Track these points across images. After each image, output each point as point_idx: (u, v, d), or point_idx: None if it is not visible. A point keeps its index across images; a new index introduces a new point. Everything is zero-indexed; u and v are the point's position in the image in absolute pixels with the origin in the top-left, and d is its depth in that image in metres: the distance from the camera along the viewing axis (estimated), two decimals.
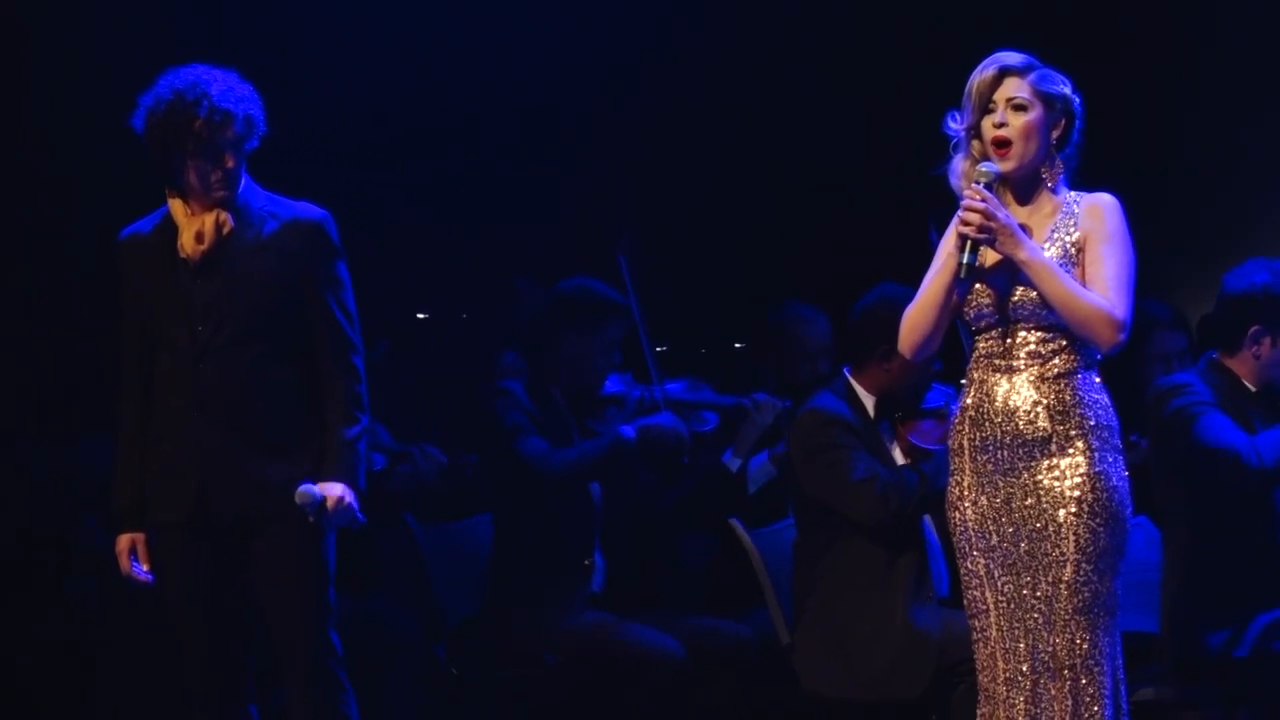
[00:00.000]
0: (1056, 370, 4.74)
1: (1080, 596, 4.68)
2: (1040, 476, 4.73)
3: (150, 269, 5.06)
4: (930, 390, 6.07)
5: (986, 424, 4.77)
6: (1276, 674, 5.77)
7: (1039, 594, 4.72)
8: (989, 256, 4.75)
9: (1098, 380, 4.79)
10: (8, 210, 7.17)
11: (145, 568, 5.06)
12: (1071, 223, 4.78)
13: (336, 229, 5.09)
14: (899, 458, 6.06)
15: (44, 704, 6.32)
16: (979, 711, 4.83)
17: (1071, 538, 4.69)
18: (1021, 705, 4.73)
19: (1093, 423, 4.73)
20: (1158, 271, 5.92)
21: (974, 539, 4.80)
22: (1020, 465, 4.75)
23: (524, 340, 6.78)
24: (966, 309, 4.80)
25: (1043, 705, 4.71)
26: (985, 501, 4.78)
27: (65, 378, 6.98)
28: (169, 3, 7.31)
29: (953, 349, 5.02)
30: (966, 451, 4.81)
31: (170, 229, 5.05)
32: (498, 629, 6.25)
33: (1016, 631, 4.74)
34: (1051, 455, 4.72)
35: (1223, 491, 5.81)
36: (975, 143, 4.79)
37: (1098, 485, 4.70)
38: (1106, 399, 4.79)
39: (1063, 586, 4.69)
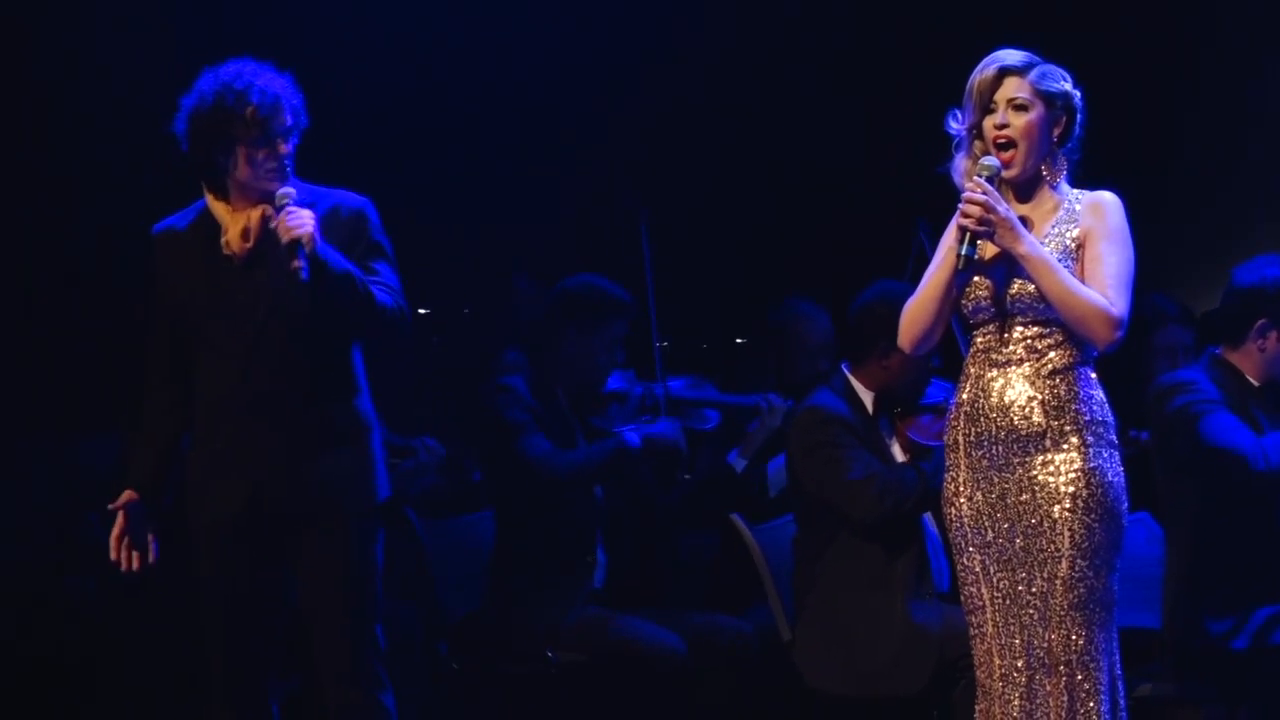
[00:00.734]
0: (1052, 366, 4.74)
1: (1076, 592, 4.69)
2: (1035, 472, 4.73)
3: (188, 265, 5.00)
4: (929, 386, 6.07)
5: (982, 419, 4.78)
6: (1277, 668, 5.76)
7: (1034, 590, 4.72)
8: (988, 250, 4.76)
9: (1093, 376, 4.79)
10: (8, 209, 7.18)
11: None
12: (1072, 220, 4.78)
13: (378, 213, 5.05)
14: (898, 454, 6.06)
15: (45, 702, 6.31)
16: (977, 707, 4.83)
17: (1067, 533, 4.70)
18: (1017, 701, 4.73)
19: (1088, 418, 4.73)
20: (1159, 269, 5.93)
21: (970, 535, 4.80)
22: (1015, 461, 4.75)
23: (524, 337, 6.78)
24: (964, 302, 4.81)
25: (1038, 701, 4.72)
26: (981, 497, 4.78)
27: (66, 376, 6.98)
28: (169, 3, 7.32)
29: (952, 345, 5.02)
30: (962, 447, 4.81)
31: (208, 225, 4.99)
32: (499, 624, 6.25)
33: (1012, 627, 4.75)
34: (1046, 451, 4.73)
35: (1227, 491, 5.80)
36: (977, 142, 4.80)
37: (1093, 481, 4.70)
38: (1102, 394, 4.79)
39: (1058, 582, 4.69)
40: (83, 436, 6.67)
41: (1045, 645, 4.70)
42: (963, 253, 4.70)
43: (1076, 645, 4.69)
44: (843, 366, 6.13)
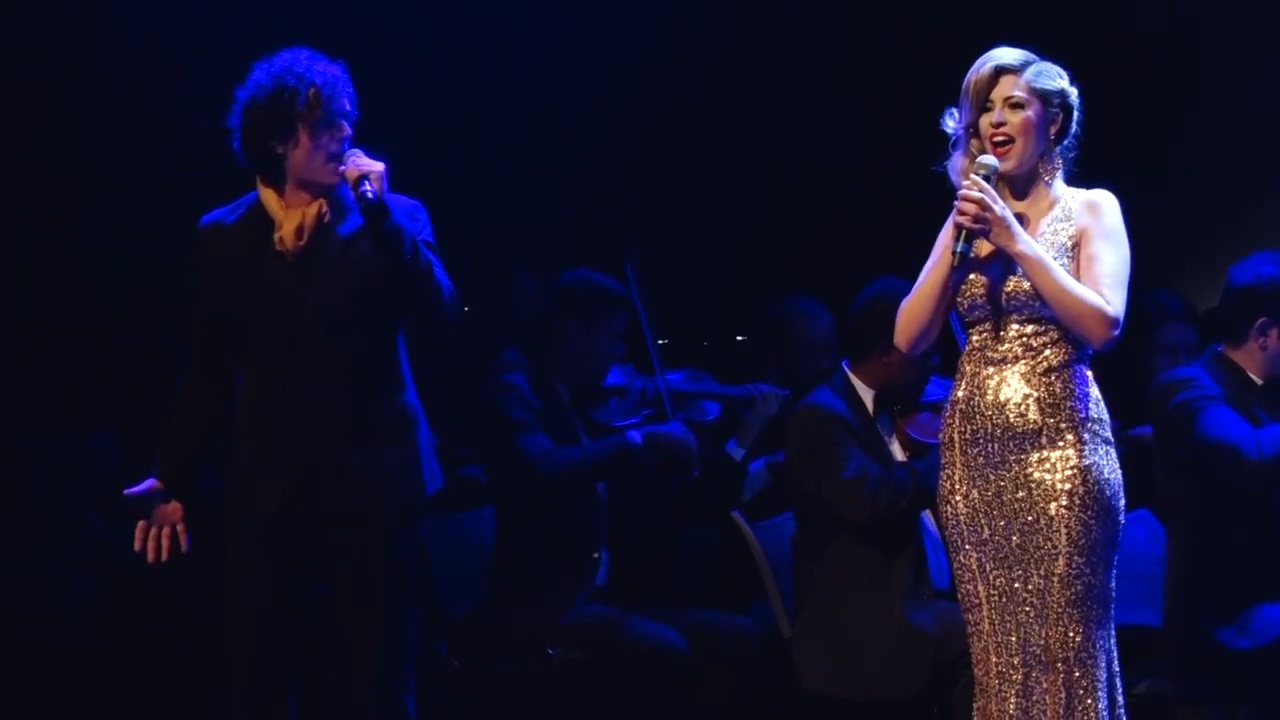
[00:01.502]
0: (1048, 363, 4.74)
1: (1073, 589, 4.69)
2: (1031, 470, 4.73)
3: (236, 261, 4.95)
4: (929, 383, 6.07)
5: (977, 417, 4.78)
6: (1278, 668, 5.76)
7: (1031, 587, 4.72)
8: (983, 247, 4.77)
9: (1089, 373, 4.79)
10: (8, 209, 7.19)
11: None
12: (1068, 218, 4.78)
13: (428, 214, 5.01)
14: (898, 451, 6.07)
15: (46, 699, 6.31)
16: (975, 705, 4.84)
17: (1063, 531, 4.70)
18: (1014, 699, 4.74)
19: (1084, 415, 4.73)
20: (1158, 268, 5.94)
21: (966, 533, 4.80)
22: (1011, 458, 4.75)
23: (526, 333, 6.77)
24: (960, 300, 4.81)
25: (1034, 699, 4.72)
26: (976, 495, 4.78)
27: (69, 372, 6.98)
28: (169, 3, 7.32)
29: (952, 343, 5.03)
30: (957, 445, 4.82)
31: (258, 220, 4.95)
32: (500, 623, 6.24)
33: (1008, 625, 4.75)
34: (1042, 448, 4.73)
35: (1225, 485, 5.81)
36: (974, 141, 4.81)
37: (1089, 478, 4.70)
38: (1098, 391, 4.79)
39: (1055, 580, 4.69)
40: (86, 432, 6.66)
41: (1042, 642, 4.70)
42: (958, 250, 4.71)
43: (1074, 642, 4.69)
44: (843, 365, 6.13)
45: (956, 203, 4.72)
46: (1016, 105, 4.75)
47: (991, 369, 4.78)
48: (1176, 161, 8.14)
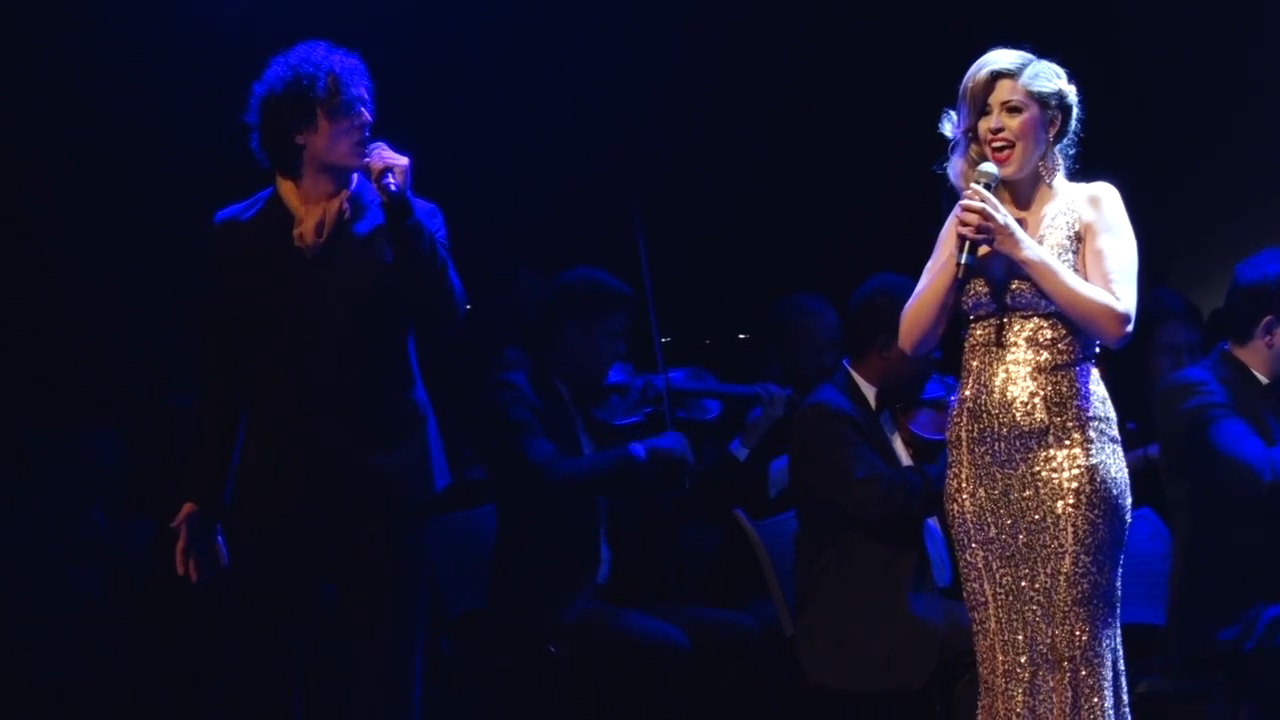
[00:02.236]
0: (1054, 362, 4.73)
1: (1079, 588, 4.68)
2: (1038, 468, 4.72)
3: (253, 258, 4.91)
4: (930, 380, 6.07)
5: (984, 415, 4.77)
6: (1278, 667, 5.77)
7: (1037, 586, 4.72)
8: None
9: (1095, 371, 4.78)
10: (9, 208, 7.19)
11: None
12: (1070, 214, 4.77)
13: (443, 218, 4.99)
14: (900, 448, 6.07)
15: (47, 696, 6.31)
16: (979, 703, 4.83)
17: (1070, 529, 4.69)
18: (1019, 697, 4.73)
19: (1090, 414, 4.73)
20: (1160, 267, 5.95)
21: (972, 531, 4.80)
22: (1018, 457, 4.74)
23: (526, 331, 6.77)
24: (964, 299, 4.79)
25: (1040, 697, 4.71)
26: (983, 494, 4.78)
27: (70, 368, 6.99)
28: (168, 4, 7.32)
29: (954, 339, 5.03)
30: (964, 443, 4.81)
31: (275, 216, 4.92)
32: (502, 620, 6.24)
33: (1015, 624, 4.74)
34: (1049, 447, 4.72)
35: (1232, 498, 5.80)
36: (973, 145, 4.79)
37: (1095, 477, 4.70)
38: (1104, 390, 4.78)
39: (1061, 578, 4.69)
40: (87, 427, 6.67)
41: (1048, 641, 4.70)
42: (962, 261, 4.67)
43: (1080, 641, 4.68)
44: (844, 362, 6.13)
45: (958, 213, 4.70)
46: (1014, 109, 4.72)
47: (997, 366, 4.76)
48: (1176, 161, 8.16)
